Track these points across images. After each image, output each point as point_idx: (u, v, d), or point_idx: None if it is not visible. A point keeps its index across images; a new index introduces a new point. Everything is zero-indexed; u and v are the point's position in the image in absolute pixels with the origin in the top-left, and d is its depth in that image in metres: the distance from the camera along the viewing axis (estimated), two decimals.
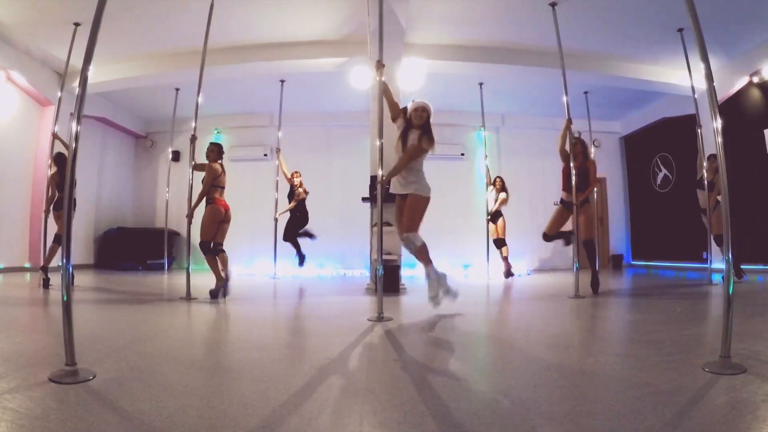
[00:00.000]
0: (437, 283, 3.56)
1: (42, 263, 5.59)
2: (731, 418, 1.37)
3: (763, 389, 1.60)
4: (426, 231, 10.15)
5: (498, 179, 7.57)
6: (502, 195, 7.43)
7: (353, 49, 6.93)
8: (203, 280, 7.10)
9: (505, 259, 7.34)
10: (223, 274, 4.56)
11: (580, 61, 7.25)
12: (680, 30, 6.23)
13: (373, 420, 1.39)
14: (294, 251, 7.51)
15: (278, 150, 7.87)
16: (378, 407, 1.50)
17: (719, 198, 5.96)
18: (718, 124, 2.08)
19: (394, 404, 1.53)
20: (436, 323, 3.20)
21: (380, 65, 3.88)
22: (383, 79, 3.91)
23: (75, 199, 5.80)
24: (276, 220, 7.74)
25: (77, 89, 2.03)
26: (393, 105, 3.95)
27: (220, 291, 4.49)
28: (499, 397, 1.61)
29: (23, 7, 5.86)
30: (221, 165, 4.81)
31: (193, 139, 4.94)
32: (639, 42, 6.89)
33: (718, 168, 5.88)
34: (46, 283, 5.19)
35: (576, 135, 5.18)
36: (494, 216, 7.49)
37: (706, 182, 5.95)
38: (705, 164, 5.95)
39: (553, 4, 5.67)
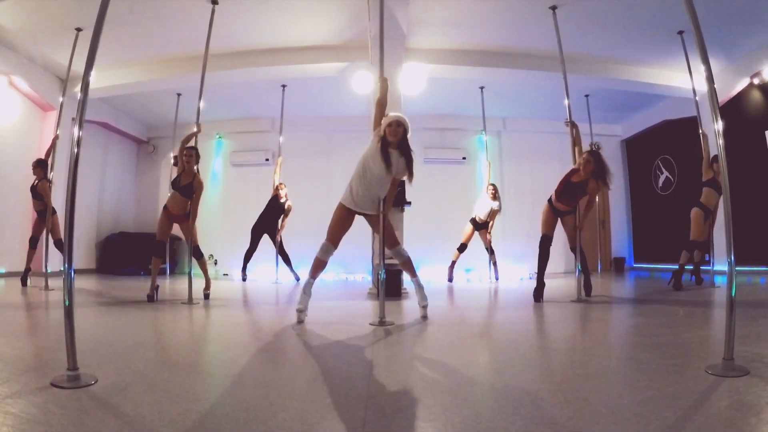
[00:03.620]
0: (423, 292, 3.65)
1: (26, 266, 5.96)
2: (735, 421, 1.37)
3: (767, 392, 1.60)
4: (428, 235, 10.21)
5: (491, 186, 7.56)
6: (495, 205, 7.45)
7: (354, 54, 6.95)
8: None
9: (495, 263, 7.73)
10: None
11: (580, 64, 7.26)
12: (680, 32, 6.24)
13: (376, 425, 1.38)
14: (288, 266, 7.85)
15: (279, 158, 8.11)
16: (380, 412, 1.50)
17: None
18: (720, 126, 2.08)
19: (396, 409, 1.53)
20: (437, 327, 3.20)
21: (384, 81, 3.73)
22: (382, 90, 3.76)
23: (54, 208, 6.02)
24: (280, 240, 7.84)
25: (79, 94, 2.03)
26: (378, 119, 3.74)
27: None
28: (502, 401, 1.60)
29: (25, 12, 5.89)
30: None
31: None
32: (639, 45, 6.90)
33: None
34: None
35: (595, 147, 4.77)
36: (483, 224, 7.58)
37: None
38: (714, 165, 5.63)
39: (553, 8, 5.69)
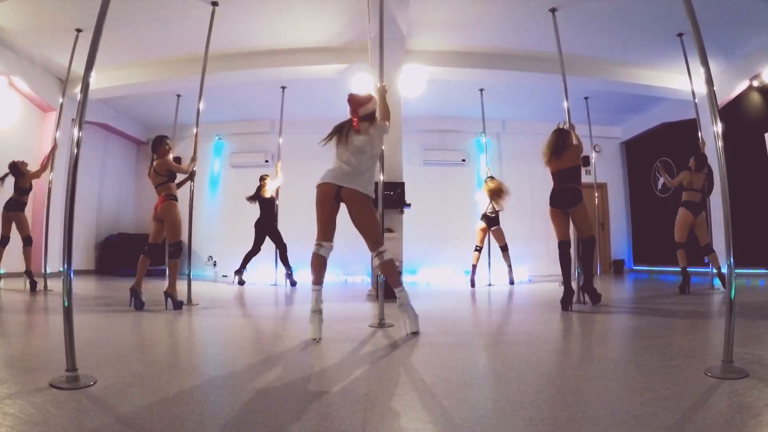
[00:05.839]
0: (413, 312, 2.99)
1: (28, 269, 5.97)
2: (734, 423, 1.37)
3: (766, 393, 1.60)
4: (428, 237, 10.18)
5: (489, 178, 7.23)
6: (491, 185, 7.03)
7: (354, 55, 6.95)
8: (204, 286, 7.11)
9: (474, 268, 7.09)
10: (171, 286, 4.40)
11: (580, 66, 7.26)
12: (680, 35, 6.24)
13: (376, 426, 1.38)
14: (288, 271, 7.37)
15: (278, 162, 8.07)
16: (380, 414, 1.50)
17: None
18: (719, 128, 2.08)
19: (396, 411, 1.53)
20: (437, 330, 3.19)
21: (382, 91, 3.81)
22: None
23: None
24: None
25: (79, 95, 2.03)
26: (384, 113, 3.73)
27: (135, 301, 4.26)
28: (502, 403, 1.60)
29: (25, 13, 5.89)
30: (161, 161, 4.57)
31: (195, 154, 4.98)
32: (639, 47, 6.91)
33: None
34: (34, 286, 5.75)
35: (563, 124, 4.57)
36: (494, 218, 7.10)
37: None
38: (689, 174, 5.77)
39: (553, 10, 5.70)
